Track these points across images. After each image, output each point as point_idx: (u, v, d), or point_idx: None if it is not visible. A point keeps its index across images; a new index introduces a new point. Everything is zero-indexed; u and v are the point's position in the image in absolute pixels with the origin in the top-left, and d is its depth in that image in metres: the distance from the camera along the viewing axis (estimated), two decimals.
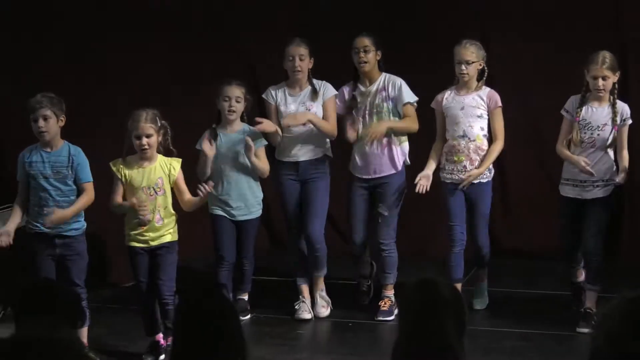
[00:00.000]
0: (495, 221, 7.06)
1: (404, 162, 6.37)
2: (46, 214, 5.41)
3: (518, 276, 7.20)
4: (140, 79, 7.24)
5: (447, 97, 6.25)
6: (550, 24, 7.53)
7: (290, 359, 5.73)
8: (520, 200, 7.81)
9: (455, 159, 6.21)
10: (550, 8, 7.53)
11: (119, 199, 5.64)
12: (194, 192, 5.69)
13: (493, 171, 6.30)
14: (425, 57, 7.41)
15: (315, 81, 6.34)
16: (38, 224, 5.50)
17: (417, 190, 6.12)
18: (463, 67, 6.13)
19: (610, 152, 5.94)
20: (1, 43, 6.88)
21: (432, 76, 6.67)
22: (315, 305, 6.39)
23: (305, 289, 6.45)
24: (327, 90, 6.34)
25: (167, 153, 5.68)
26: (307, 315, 6.36)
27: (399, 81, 6.30)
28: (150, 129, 5.55)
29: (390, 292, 6.42)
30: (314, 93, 6.31)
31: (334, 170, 6.45)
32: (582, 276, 6.18)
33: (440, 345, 2.99)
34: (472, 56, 6.13)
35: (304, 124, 6.27)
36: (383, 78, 6.32)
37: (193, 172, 6.07)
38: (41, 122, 5.42)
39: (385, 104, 6.29)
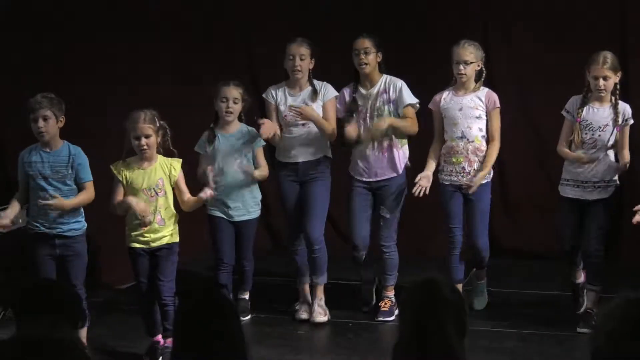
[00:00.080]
0: (495, 221, 7.06)
1: (404, 165, 6.36)
2: (47, 198, 5.41)
3: (518, 276, 7.21)
4: (140, 79, 7.24)
5: (445, 97, 6.24)
6: (551, 24, 7.54)
7: (291, 359, 5.73)
8: (520, 200, 7.82)
9: (454, 160, 6.20)
10: (551, 8, 7.54)
11: (119, 199, 5.64)
12: (193, 192, 5.69)
13: (492, 172, 6.29)
14: (426, 57, 7.42)
15: (315, 82, 6.32)
16: (38, 224, 5.50)
17: (415, 193, 6.09)
18: (461, 67, 6.12)
19: (611, 153, 5.94)
20: (1, 43, 6.88)
21: (433, 76, 6.66)
22: (312, 312, 6.35)
23: (305, 289, 6.45)
24: (327, 91, 6.32)
25: (167, 153, 5.68)
26: (307, 315, 6.35)
27: (400, 83, 6.27)
28: (148, 130, 5.55)
29: (390, 293, 6.41)
30: (314, 93, 6.30)
31: (334, 170, 6.45)
32: (581, 277, 6.17)
33: (440, 346, 2.99)
34: (470, 56, 6.12)
35: (303, 124, 6.26)
36: (384, 80, 6.29)
37: (193, 173, 6.07)
38: (41, 123, 5.43)
39: (386, 107, 6.27)
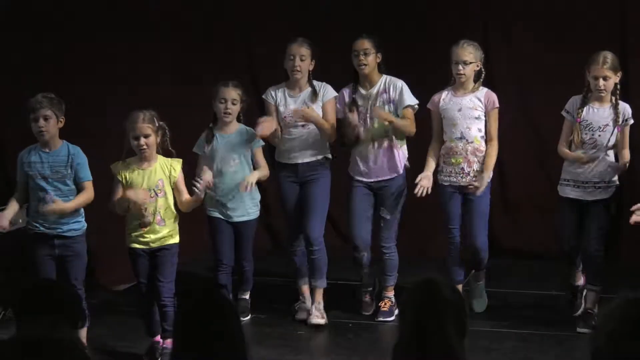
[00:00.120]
0: (495, 221, 7.06)
1: (404, 165, 6.36)
2: (46, 202, 5.41)
3: (518, 276, 7.21)
4: (140, 79, 7.24)
5: (444, 98, 6.23)
6: (551, 24, 7.54)
7: (291, 359, 5.73)
8: (520, 200, 7.82)
9: (453, 161, 6.20)
10: (551, 8, 7.54)
11: (118, 198, 5.64)
12: (193, 193, 5.68)
13: (492, 172, 6.28)
14: (426, 57, 7.41)
15: (315, 82, 6.31)
16: (38, 224, 5.50)
17: (417, 193, 6.07)
18: (460, 67, 6.11)
19: (611, 154, 5.94)
20: (1, 43, 6.88)
21: (433, 76, 6.66)
22: (310, 315, 6.32)
23: (305, 289, 6.44)
24: (327, 91, 6.31)
25: (166, 153, 5.68)
26: (307, 316, 6.35)
27: (400, 83, 6.26)
28: (148, 130, 5.55)
29: (390, 293, 6.41)
30: (314, 94, 6.29)
31: (334, 171, 6.44)
32: (581, 280, 6.16)
33: (440, 346, 2.99)
34: (469, 57, 6.11)
35: (302, 126, 6.25)
36: (384, 80, 6.29)
37: (193, 173, 6.06)
38: (41, 122, 5.43)
39: (386, 107, 6.25)
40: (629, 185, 6.66)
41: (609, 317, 2.50)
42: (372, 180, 6.33)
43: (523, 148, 7.67)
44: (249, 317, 6.43)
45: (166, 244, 5.64)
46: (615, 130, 5.86)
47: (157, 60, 7.46)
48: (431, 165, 6.22)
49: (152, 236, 5.62)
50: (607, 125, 5.88)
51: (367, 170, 6.34)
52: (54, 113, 5.45)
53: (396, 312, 6.22)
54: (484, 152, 6.17)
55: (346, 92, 6.38)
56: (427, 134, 6.35)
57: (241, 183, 6.07)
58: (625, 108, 5.92)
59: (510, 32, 7.70)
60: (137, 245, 5.63)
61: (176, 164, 5.67)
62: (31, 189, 5.53)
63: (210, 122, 6.26)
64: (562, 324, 6.02)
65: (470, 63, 6.12)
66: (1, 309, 6.21)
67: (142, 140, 5.54)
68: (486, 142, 6.17)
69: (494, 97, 6.19)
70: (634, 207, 5.60)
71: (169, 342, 5.55)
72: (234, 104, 6.14)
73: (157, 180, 5.62)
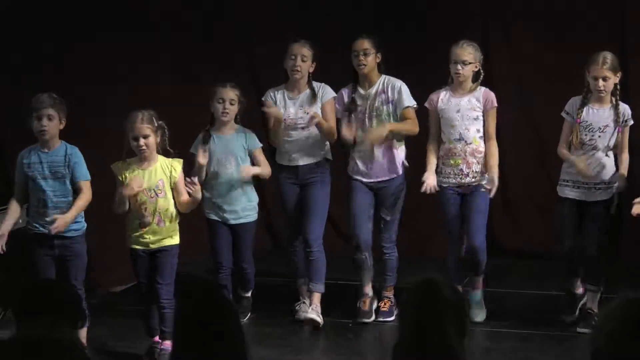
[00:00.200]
0: (495, 221, 7.05)
1: (403, 165, 6.36)
2: (49, 222, 5.40)
3: (518, 276, 7.21)
4: (140, 79, 7.23)
5: (443, 98, 6.21)
6: (551, 24, 7.54)
7: (291, 359, 5.73)
8: (520, 200, 7.82)
9: (452, 162, 6.19)
10: (551, 8, 7.54)
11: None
12: None
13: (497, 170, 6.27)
14: (426, 57, 7.41)
15: (314, 84, 6.31)
16: (38, 225, 5.50)
17: (427, 191, 6.06)
18: (459, 67, 6.09)
19: (612, 154, 5.94)
20: (1, 43, 6.87)
21: (433, 76, 6.65)
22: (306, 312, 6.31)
23: (304, 290, 6.44)
24: (325, 92, 6.30)
25: (164, 153, 5.68)
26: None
27: (399, 83, 6.26)
28: (147, 130, 5.54)
29: (390, 293, 6.41)
30: (313, 96, 6.28)
31: (334, 171, 6.44)
32: (580, 289, 6.15)
33: (440, 346, 2.99)
34: (469, 57, 6.10)
35: (302, 128, 6.25)
36: (383, 80, 6.28)
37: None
38: (45, 121, 5.42)
39: (384, 107, 6.26)
40: (628, 185, 6.65)
41: (609, 317, 2.50)
42: (371, 180, 6.33)
43: (523, 148, 7.67)
44: (249, 316, 6.43)
45: (166, 245, 5.63)
46: (616, 131, 5.86)
47: (157, 60, 7.46)
48: (433, 163, 6.19)
49: (152, 237, 5.61)
50: (607, 126, 5.88)
51: (366, 171, 6.33)
52: (58, 114, 5.45)
53: (396, 312, 6.22)
54: (482, 153, 6.16)
55: (345, 92, 6.37)
56: (427, 133, 6.34)
57: (242, 167, 6.06)
58: (625, 109, 5.92)
59: (510, 32, 7.70)
60: (137, 246, 5.63)
61: (177, 164, 5.67)
62: (31, 190, 5.52)
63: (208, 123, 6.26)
64: (562, 324, 6.02)
65: (469, 63, 6.11)
66: (1, 308, 6.21)
67: (142, 141, 5.54)
68: (485, 141, 6.16)
69: (492, 96, 6.18)
70: (636, 200, 5.61)
71: (167, 343, 5.55)
72: (232, 104, 6.12)
73: (157, 181, 5.61)
